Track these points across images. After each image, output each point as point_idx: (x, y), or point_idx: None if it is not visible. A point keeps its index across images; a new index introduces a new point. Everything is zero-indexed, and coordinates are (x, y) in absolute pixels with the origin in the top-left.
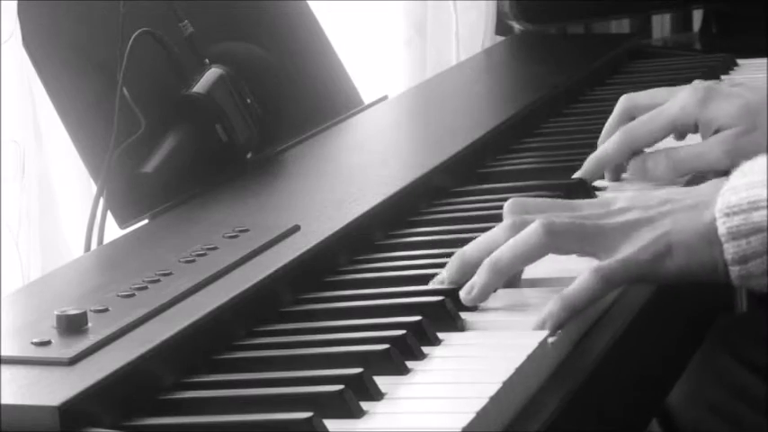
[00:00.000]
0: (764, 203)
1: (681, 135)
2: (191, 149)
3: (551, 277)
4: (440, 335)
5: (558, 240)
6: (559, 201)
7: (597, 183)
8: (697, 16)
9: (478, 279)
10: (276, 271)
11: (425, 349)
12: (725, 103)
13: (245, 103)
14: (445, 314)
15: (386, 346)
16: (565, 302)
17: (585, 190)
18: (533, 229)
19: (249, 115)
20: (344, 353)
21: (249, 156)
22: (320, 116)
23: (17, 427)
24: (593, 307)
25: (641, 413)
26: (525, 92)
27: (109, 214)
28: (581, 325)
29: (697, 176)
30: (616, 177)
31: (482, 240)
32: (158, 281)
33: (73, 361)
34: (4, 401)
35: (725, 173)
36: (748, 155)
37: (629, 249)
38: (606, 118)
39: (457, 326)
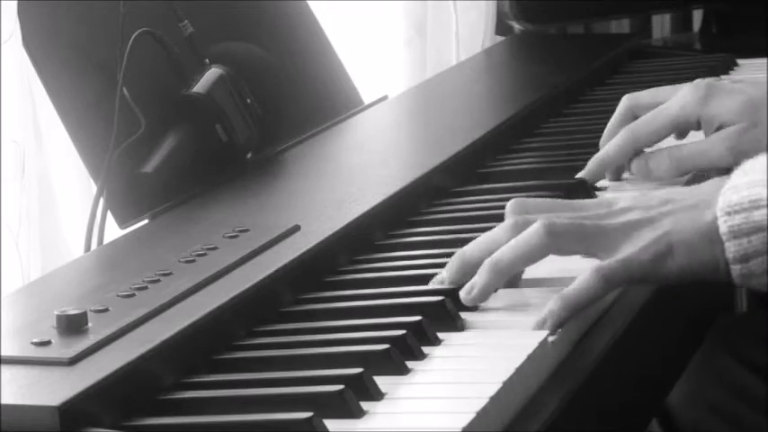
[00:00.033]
0: (765, 202)
1: (681, 134)
2: (191, 149)
3: (551, 277)
4: (440, 335)
5: (559, 241)
6: (561, 201)
7: (598, 183)
8: (697, 16)
9: (479, 279)
10: (276, 271)
11: (425, 349)
12: (727, 99)
13: (245, 103)
14: (445, 314)
15: (386, 346)
16: (565, 302)
17: (585, 190)
18: (534, 229)
19: (249, 115)
20: (344, 353)
21: (249, 156)
22: (320, 116)
23: (17, 427)
24: (593, 307)
25: (641, 413)
26: (525, 92)
27: (109, 214)
28: (581, 325)
29: (698, 175)
30: (617, 177)
31: (483, 240)
32: (158, 281)
33: (73, 361)
34: (4, 401)
35: (727, 170)
36: (751, 151)
37: (630, 249)
38: (606, 118)
39: (457, 326)
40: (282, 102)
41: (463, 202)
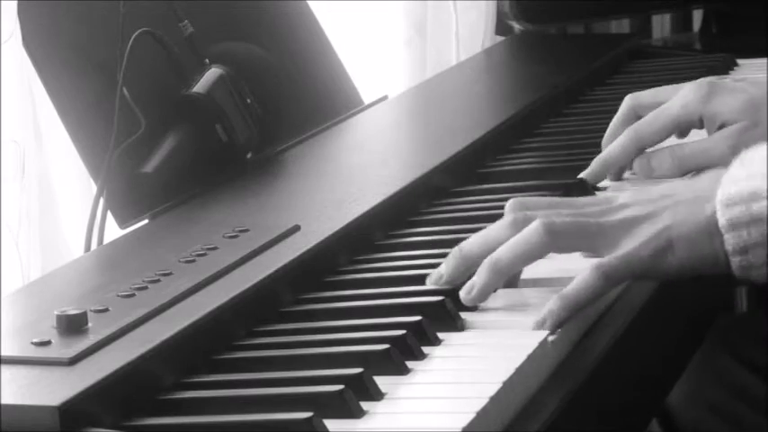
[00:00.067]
0: (764, 194)
1: (683, 132)
2: (191, 149)
3: (551, 277)
4: (440, 335)
5: (558, 239)
6: (560, 199)
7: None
8: (697, 16)
9: (478, 279)
10: (276, 271)
11: (425, 349)
12: (729, 98)
13: (245, 103)
14: (445, 314)
15: (386, 346)
16: (565, 301)
17: (585, 190)
18: (534, 228)
19: (249, 115)
20: (344, 353)
21: (249, 156)
22: (320, 116)
23: (17, 427)
24: (593, 306)
25: (641, 413)
26: (525, 92)
27: (109, 214)
28: (581, 325)
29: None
30: (619, 177)
31: (481, 237)
32: (158, 281)
33: (73, 361)
34: (4, 401)
35: None
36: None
37: (629, 245)
38: (606, 118)
39: (457, 326)
40: (282, 102)
41: (463, 202)
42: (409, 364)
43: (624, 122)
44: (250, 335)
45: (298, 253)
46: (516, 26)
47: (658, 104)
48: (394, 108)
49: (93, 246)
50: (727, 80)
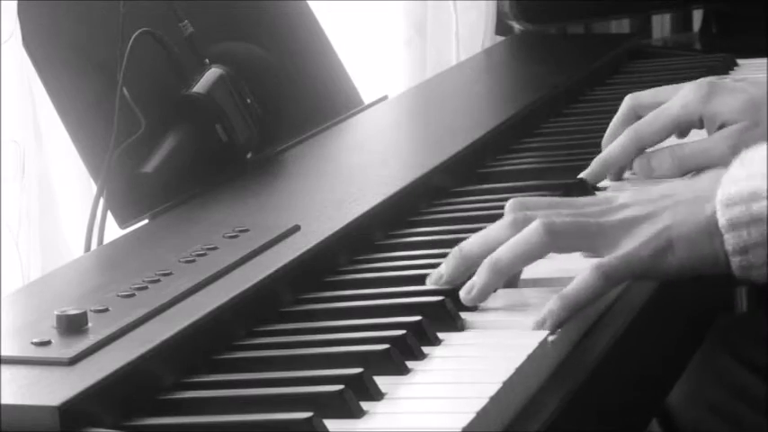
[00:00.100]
0: (764, 194)
1: (683, 132)
2: (191, 149)
3: (551, 277)
4: (440, 335)
5: (558, 239)
6: (560, 199)
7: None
8: (697, 16)
9: (478, 279)
10: (276, 271)
11: (425, 349)
12: (729, 97)
13: (245, 103)
14: (445, 314)
15: (386, 346)
16: (564, 301)
17: (585, 190)
18: (534, 228)
19: (249, 115)
20: (344, 353)
21: (249, 156)
22: (320, 116)
23: (17, 427)
24: (593, 307)
25: (641, 413)
26: (525, 92)
27: (109, 214)
28: (581, 325)
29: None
30: (619, 177)
31: (481, 237)
32: (158, 281)
33: (73, 361)
34: (4, 401)
35: None
36: None
37: (629, 245)
38: (606, 118)
39: (457, 326)
40: (282, 102)
41: (463, 202)
42: (409, 364)
43: (624, 122)
44: (250, 335)
45: (298, 253)
46: (516, 26)
47: (658, 104)
48: (394, 108)
49: (93, 246)
50: (727, 80)
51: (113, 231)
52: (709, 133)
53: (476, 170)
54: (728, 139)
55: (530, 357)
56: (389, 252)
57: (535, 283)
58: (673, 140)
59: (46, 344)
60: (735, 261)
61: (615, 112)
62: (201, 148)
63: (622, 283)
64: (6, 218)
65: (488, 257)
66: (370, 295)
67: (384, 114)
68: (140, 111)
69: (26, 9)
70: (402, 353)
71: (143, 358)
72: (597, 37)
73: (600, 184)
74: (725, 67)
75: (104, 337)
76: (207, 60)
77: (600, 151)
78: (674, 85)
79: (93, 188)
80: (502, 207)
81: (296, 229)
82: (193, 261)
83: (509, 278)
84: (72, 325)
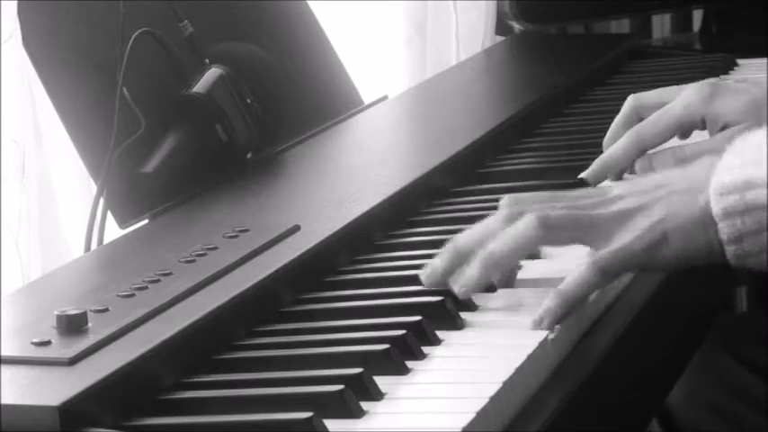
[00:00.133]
0: (758, 182)
1: (684, 134)
2: (191, 149)
3: (551, 278)
4: (440, 335)
5: (552, 232)
6: (555, 193)
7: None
8: (697, 16)
9: (471, 272)
10: (276, 271)
11: (425, 349)
12: (731, 99)
13: (245, 103)
14: (445, 314)
15: (386, 346)
16: (561, 297)
17: None
18: (527, 221)
19: (249, 115)
20: (344, 353)
21: (249, 156)
22: (320, 116)
23: (17, 427)
24: (593, 307)
25: (641, 413)
26: (525, 92)
27: (109, 214)
28: (581, 325)
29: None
30: (619, 178)
31: (476, 230)
32: (158, 281)
33: (73, 361)
34: (4, 401)
35: None
36: None
37: (624, 239)
38: (606, 118)
39: (457, 326)
40: (282, 102)
41: (463, 202)
42: (409, 364)
43: (626, 123)
44: (250, 335)
45: (298, 253)
46: (516, 26)
47: (660, 105)
48: (394, 108)
49: (93, 246)
50: (729, 81)
51: (113, 231)
52: (712, 134)
53: (476, 170)
54: (730, 140)
55: (530, 357)
56: (389, 252)
57: (534, 283)
58: (674, 142)
59: (46, 344)
60: (730, 250)
61: (615, 112)
62: (201, 148)
63: (618, 277)
64: (6, 218)
65: (482, 250)
66: (370, 295)
67: (384, 114)
68: (140, 111)
69: (26, 9)
70: (402, 353)
71: (143, 358)
72: (597, 37)
73: (600, 185)
74: (725, 67)
75: (104, 337)
76: (207, 60)
77: (600, 151)
78: (677, 87)
79: (93, 188)
80: None
81: (296, 229)
82: (193, 261)
83: (505, 277)
84: (72, 325)
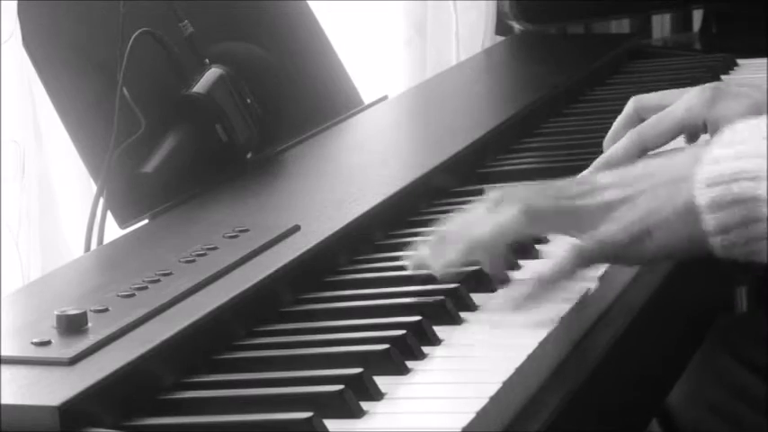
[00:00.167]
0: (746, 175)
1: (692, 136)
2: (191, 149)
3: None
4: (440, 335)
5: (535, 222)
6: (541, 183)
7: None
8: (697, 16)
9: (452, 251)
10: (276, 271)
11: (426, 349)
12: (733, 102)
13: (245, 103)
14: (445, 314)
15: (386, 346)
16: (542, 282)
17: None
18: (511, 209)
19: (249, 115)
20: (344, 353)
21: (249, 156)
22: (320, 116)
23: (17, 427)
24: (593, 307)
25: (641, 413)
26: (525, 92)
27: (109, 214)
28: (581, 325)
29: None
30: None
31: (461, 219)
32: (158, 281)
33: (73, 361)
34: (4, 401)
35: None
36: None
37: (607, 230)
38: (606, 118)
39: (457, 325)
40: (282, 102)
41: (463, 202)
42: (409, 364)
43: (627, 124)
44: (250, 335)
45: (298, 253)
46: (516, 26)
47: (662, 108)
48: (394, 108)
49: (93, 246)
50: (731, 85)
51: (113, 231)
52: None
53: (476, 170)
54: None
55: (530, 357)
56: (389, 252)
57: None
58: (676, 144)
59: (46, 344)
60: (716, 240)
61: (615, 111)
62: (201, 148)
63: (596, 264)
64: (6, 218)
65: (468, 235)
66: (370, 295)
67: (384, 114)
68: (140, 111)
69: (26, 9)
70: (402, 353)
71: (143, 358)
72: (597, 37)
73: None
74: (725, 67)
75: (104, 337)
76: (207, 60)
77: (601, 151)
78: (679, 90)
79: (93, 188)
80: None
81: (296, 229)
82: (193, 261)
83: (497, 269)
84: (72, 325)
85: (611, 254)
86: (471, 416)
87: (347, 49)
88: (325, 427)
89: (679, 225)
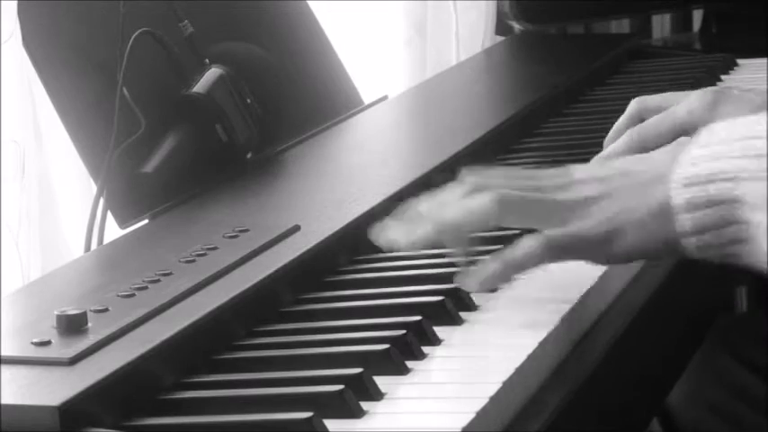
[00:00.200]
0: (722, 176)
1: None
2: (191, 149)
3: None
4: (440, 335)
5: (507, 213)
6: (519, 171)
7: None
8: (697, 16)
9: (419, 229)
10: (276, 271)
11: (426, 349)
12: (734, 106)
13: (245, 103)
14: (445, 314)
15: (386, 345)
16: (505, 263)
17: None
18: (485, 197)
19: (249, 115)
20: (344, 353)
21: (249, 156)
22: (320, 116)
23: (17, 427)
24: (593, 307)
25: (641, 413)
26: (525, 92)
27: (109, 214)
28: (581, 325)
29: None
30: None
31: (434, 201)
32: (158, 281)
33: (73, 361)
34: (4, 401)
35: None
36: None
37: (579, 225)
38: (606, 118)
39: (457, 325)
40: (282, 102)
41: None
42: (409, 363)
43: (629, 125)
44: (250, 335)
45: (298, 253)
46: (516, 26)
47: (664, 110)
48: (394, 108)
49: (93, 246)
50: (733, 90)
51: (113, 231)
52: None
53: None
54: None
55: (530, 357)
56: (389, 252)
57: (535, 284)
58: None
59: (46, 344)
60: (691, 241)
61: (615, 111)
62: (201, 148)
63: (565, 260)
64: (6, 218)
65: (436, 217)
66: (370, 295)
67: (384, 114)
68: (140, 111)
69: (26, 9)
70: (402, 353)
71: (143, 358)
72: (597, 37)
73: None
74: (725, 67)
75: (104, 337)
76: (207, 60)
77: (600, 151)
78: (683, 92)
79: (93, 188)
80: None
81: (296, 229)
82: (193, 261)
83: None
84: (72, 325)
85: (581, 250)
86: (471, 416)
87: (347, 49)
88: (325, 427)
89: (653, 225)
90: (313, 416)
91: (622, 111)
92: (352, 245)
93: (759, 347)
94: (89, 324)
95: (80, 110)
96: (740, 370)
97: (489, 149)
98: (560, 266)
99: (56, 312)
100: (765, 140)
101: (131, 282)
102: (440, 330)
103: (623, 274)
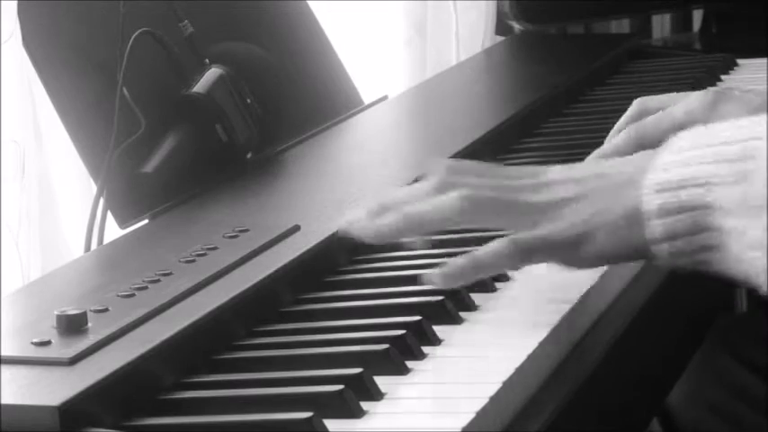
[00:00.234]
0: (694, 182)
1: None
2: (191, 149)
3: (552, 277)
4: (440, 335)
5: (475, 213)
6: (492, 168)
7: None
8: (697, 16)
9: (381, 221)
10: (276, 271)
11: (425, 349)
12: (734, 107)
13: (245, 103)
14: (445, 314)
15: (386, 346)
16: (474, 262)
17: None
18: (454, 196)
19: (249, 115)
20: (344, 353)
21: (249, 156)
22: (320, 116)
23: (17, 427)
24: (593, 307)
25: (641, 413)
26: (525, 92)
27: (109, 214)
28: (581, 325)
29: None
30: None
31: (402, 191)
32: (158, 281)
33: (73, 361)
34: (4, 401)
35: None
36: None
37: (549, 228)
38: (606, 118)
39: (457, 325)
40: (282, 102)
41: None
42: (409, 364)
43: (629, 124)
44: (250, 335)
45: (298, 253)
46: (516, 26)
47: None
48: (394, 108)
49: (93, 246)
50: (734, 90)
51: (113, 231)
52: None
53: None
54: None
55: (530, 357)
56: (389, 252)
57: (535, 285)
58: None
59: (46, 344)
60: (663, 247)
61: (615, 111)
62: (201, 148)
63: (534, 263)
64: (6, 218)
65: (403, 210)
66: (370, 295)
67: (384, 114)
68: (140, 111)
69: (26, 9)
70: (402, 353)
71: (143, 358)
72: (597, 37)
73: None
74: (725, 67)
75: (104, 337)
76: (207, 60)
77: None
78: (684, 93)
79: (93, 188)
80: None
81: (296, 229)
82: (193, 261)
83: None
84: (72, 325)
85: (550, 252)
86: (471, 416)
87: (347, 49)
88: (325, 427)
89: (624, 230)
90: (313, 416)
91: (622, 111)
92: (352, 245)
93: (759, 347)
94: (89, 324)
95: (80, 110)
96: (740, 370)
97: (489, 149)
98: (558, 268)
99: (56, 312)
100: (737, 146)
101: (131, 282)
102: (440, 330)
103: (623, 274)
